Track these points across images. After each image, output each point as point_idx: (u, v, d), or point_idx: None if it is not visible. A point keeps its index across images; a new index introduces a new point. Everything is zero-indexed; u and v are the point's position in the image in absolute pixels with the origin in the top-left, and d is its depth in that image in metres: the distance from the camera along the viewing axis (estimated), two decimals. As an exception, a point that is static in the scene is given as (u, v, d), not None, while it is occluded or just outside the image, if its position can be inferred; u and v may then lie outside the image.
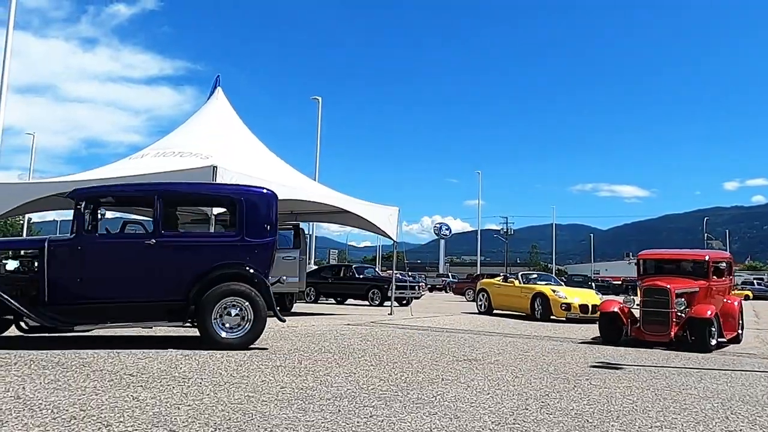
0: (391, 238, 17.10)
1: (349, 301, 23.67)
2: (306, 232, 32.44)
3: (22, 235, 49.36)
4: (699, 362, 8.45)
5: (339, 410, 4.35)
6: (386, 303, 22.42)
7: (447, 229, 71.36)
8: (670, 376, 6.97)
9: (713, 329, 9.99)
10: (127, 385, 4.96)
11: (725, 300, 11.31)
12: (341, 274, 24.47)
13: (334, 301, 23.74)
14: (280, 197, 13.76)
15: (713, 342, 9.93)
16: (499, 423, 4.20)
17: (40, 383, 4.89)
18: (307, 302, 23.00)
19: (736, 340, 11.20)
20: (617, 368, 7.38)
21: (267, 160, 15.53)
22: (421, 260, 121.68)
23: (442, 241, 71.43)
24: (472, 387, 5.63)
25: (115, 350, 7.09)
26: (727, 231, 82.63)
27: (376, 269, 29.54)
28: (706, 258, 11.19)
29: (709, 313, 9.91)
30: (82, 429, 3.56)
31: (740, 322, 11.51)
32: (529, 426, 4.16)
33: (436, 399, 4.95)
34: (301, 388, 5.14)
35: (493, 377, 6.29)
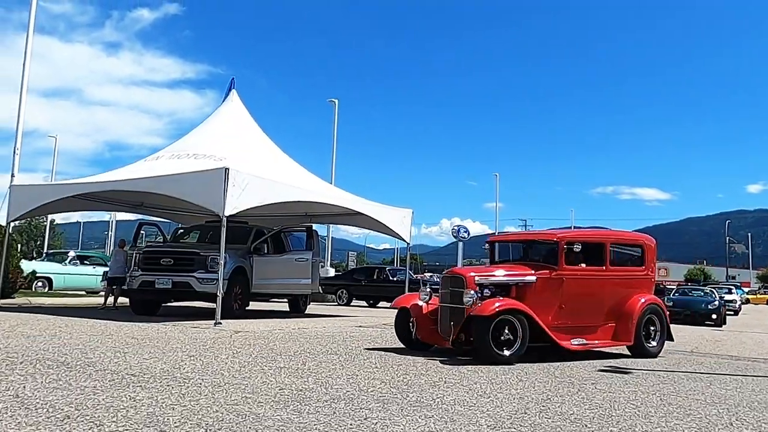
0: (404, 240, 17.09)
1: (382, 303, 23.35)
2: (320, 234, 32.57)
3: (45, 236, 50.08)
4: (711, 367, 8.32)
5: (334, 412, 4.33)
6: None
7: (465, 232, 70.94)
8: (679, 381, 6.87)
9: (516, 331, 7.62)
10: (127, 385, 4.99)
11: (638, 297, 8.92)
12: (374, 277, 24.08)
13: (366, 304, 23.44)
14: (293, 199, 13.91)
15: (507, 352, 7.51)
16: (495, 427, 4.15)
17: (41, 382, 4.93)
18: (339, 305, 22.89)
19: (641, 351, 8.81)
20: (625, 372, 7.28)
21: (281, 162, 15.62)
22: (440, 262, 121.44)
23: (460, 244, 70.93)
24: (474, 390, 5.59)
25: (122, 351, 7.13)
26: (749, 234, 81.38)
27: (410, 271, 28.73)
28: (555, 239, 8.69)
29: (495, 306, 7.52)
30: (74, 428, 3.57)
31: (652, 328, 9.00)
32: (525, 430, 4.11)
33: (435, 402, 4.92)
34: (300, 390, 5.13)
35: (497, 380, 6.24)
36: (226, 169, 11.53)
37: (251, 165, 13.15)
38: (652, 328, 9.07)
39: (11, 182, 16.00)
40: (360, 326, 12.70)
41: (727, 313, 28.02)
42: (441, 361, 7.48)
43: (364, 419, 4.17)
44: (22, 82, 18.20)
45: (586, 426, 4.34)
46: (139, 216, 18.84)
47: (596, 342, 8.62)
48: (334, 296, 24.54)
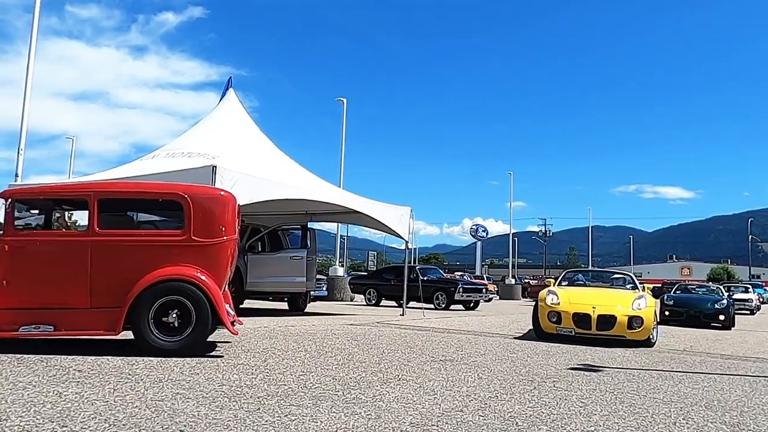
0: (402, 238, 16.97)
1: (412, 303, 22.54)
2: (337, 234, 32.50)
3: (63, 237, 50.68)
4: (692, 366, 8.12)
5: (258, 409, 4.25)
6: (453, 307, 21.83)
7: (484, 231, 70.79)
8: (649, 379, 6.69)
9: None
10: (65, 380, 4.96)
11: (155, 273, 6.65)
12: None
13: (395, 304, 22.33)
14: (285, 197, 13.86)
15: None
16: (418, 425, 4.04)
17: (-20, 378, 4.92)
18: (368, 304, 22.66)
19: (145, 344, 6.59)
20: (596, 371, 7.11)
21: (277, 160, 15.57)
22: (461, 262, 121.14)
23: (479, 243, 70.85)
24: (424, 387, 5.48)
25: (87, 347, 7.11)
26: (772, 232, 79.72)
27: (441, 271, 27.05)
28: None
29: None
30: (-23, 423, 3.55)
31: (175, 316, 6.66)
32: (446, 429, 4.00)
33: (373, 399, 4.82)
34: (240, 387, 5.07)
35: (455, 378, 6.12)
36: (213, 166, 11.53)
37: (244, 163, 13.13)
38: (175, 315, 6.69)
39: (14, 182, 16.21)
40: (351, 324, 12.63)
41: (743, 312, 27.41)
42: (408, 359, 7.38)
43: (284, 416, 4.09)
44: (26, 84, 18.42)
45: (516, 424, 4.21)
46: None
47: (72, 331, 6.66)
48: (363, 296, 24.28)
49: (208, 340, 7.30)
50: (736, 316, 19.32)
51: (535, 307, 11.24)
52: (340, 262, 31.63)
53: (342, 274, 28.93)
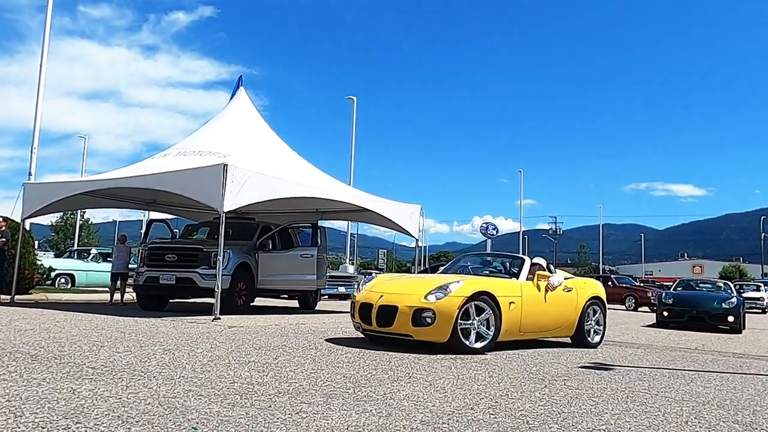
0: (412, 236, 16.98)
1: None
2: (348, 232, 32.56)
3: (75, 235, 51.04)
4: (704, 364, 8.08)
5: (270, 406, 4.27)
6: None
7: (494, 229, 70.57)
8: (661, 378, 6.67)
9: None
10: (79, 377, 5.00)
11: None
12: None
13: None
14: (295, 195, 13.90)
15: None
16: (428, 423, 4.05)
17: (-5, 374, 4.97)
18: None
19: None
20: (607, 369, 7.10)
21: (287, 158, 15.66)
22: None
23: (489, 241, 70.51)
24: (434, 385, 5.48)
25: (101, 344, 7.17)
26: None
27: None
28: None
29: None
30: (-8, 419, 3.58)
31: None
32: (457, 427, 4.00)
33: (383, 397, 4.83)
34: (251, 384, 5.09)
35: (465, 376, 6.12)
36: (224, 165, 11.60)
37: (255, 161, 13.20)
38: None
39: (28, 181, 16.34)
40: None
41: (754, 311, 27.17)
42: (418, 357, 7.39)
43: (296, 413, 4.10)
44: (39, 83, 18.54)
45: (526, 422, 4.21)
46: (166, 215, 19.06)
47: None
48: None
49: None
50: (746, 315, 17.36)
51: None
52: (350, 260, 31.66)
53: (353, 272, 29.03)
